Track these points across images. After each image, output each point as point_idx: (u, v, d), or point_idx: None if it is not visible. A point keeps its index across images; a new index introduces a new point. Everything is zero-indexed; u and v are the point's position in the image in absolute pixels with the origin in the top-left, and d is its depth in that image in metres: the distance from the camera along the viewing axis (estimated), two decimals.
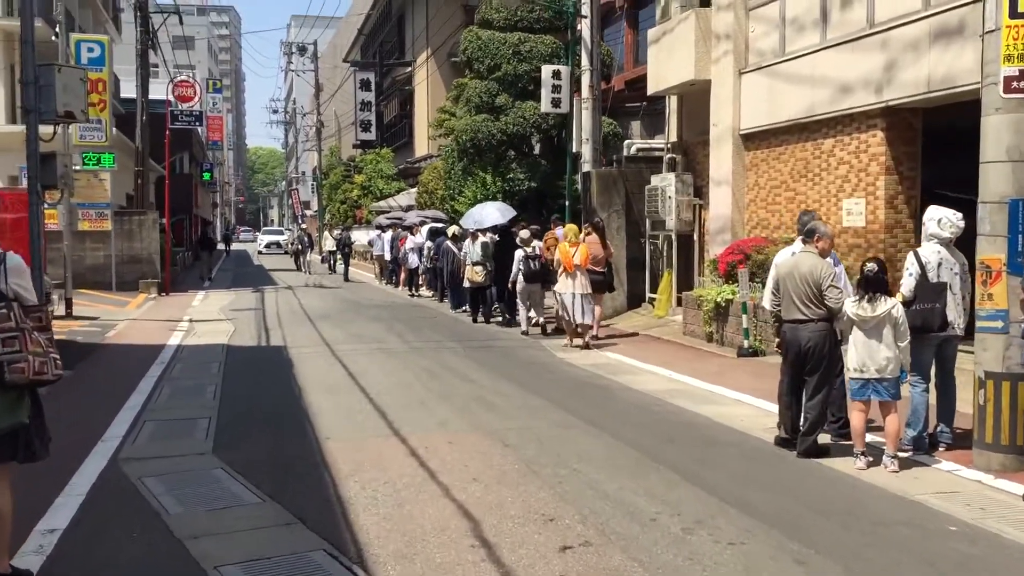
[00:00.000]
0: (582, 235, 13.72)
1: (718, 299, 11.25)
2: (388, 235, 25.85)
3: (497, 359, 11.05)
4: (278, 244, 48.88)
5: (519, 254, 13.59)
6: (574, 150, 16.66)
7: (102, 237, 21.32)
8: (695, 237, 14.06)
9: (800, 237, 6.73)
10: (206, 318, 16.43)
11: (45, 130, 10.86)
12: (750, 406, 8.05)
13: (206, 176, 48.29)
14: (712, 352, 11.21)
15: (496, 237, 15.82)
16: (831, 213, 10.65)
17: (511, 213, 16.14)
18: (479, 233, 15.72)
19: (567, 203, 15.94)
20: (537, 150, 22.64)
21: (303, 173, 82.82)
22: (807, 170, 11.32)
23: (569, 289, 12.30)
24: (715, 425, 7.33)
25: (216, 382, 9.50)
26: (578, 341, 11.97)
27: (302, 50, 53.31)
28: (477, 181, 21.46)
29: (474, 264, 15.87)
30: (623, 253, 14.80)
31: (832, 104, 10.58)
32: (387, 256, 24.43)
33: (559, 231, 14.95)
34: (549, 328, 13.59)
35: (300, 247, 30.20)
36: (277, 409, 8.11)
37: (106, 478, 5.90)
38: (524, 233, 14.23)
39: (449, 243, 17.95)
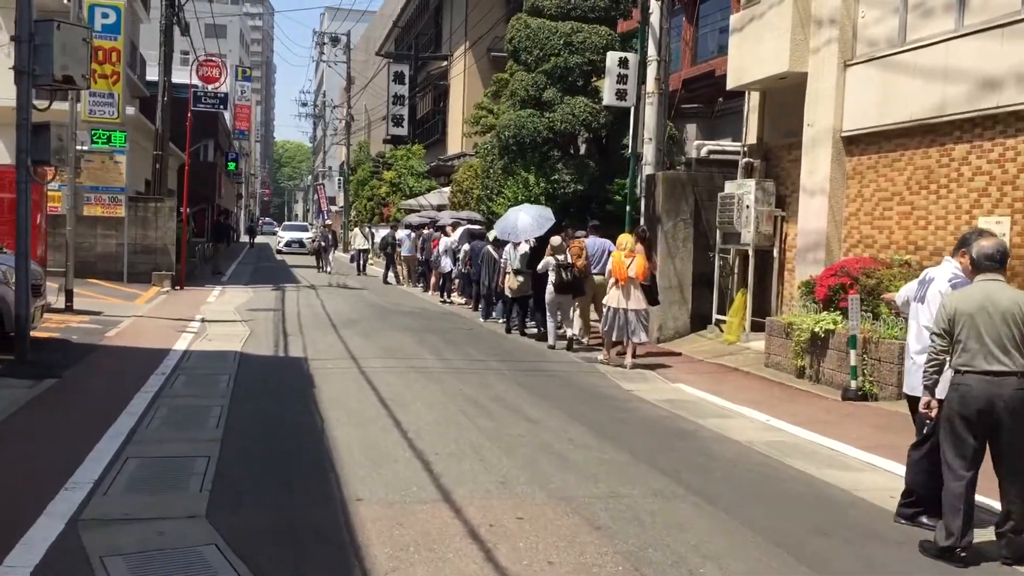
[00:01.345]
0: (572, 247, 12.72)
1: (815, 328, 9.55)
2: (410, 235, 24.35)
3: (553, 388, 9.40)
4: (300, 243, 41.34)
5: (549, 262, 12.47)
6: (633, 150, 14.98)
7: (115, 224, 19.87)
8: (775, 253, 12.36)
9: (954, 257, 5.13)
10: (220, 318, 14.89)
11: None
12: (888, 472, 6.35)
13: (231, 166, 47.11)
14: (808, 391, 9.50)
15: (533, 243, 14.31)
16: (959, 233, 8.91)
17: (548, 222, 14.32)
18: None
19: (627, 208, 14.22)
20: (583, 150, 21.00)
21: (330, 168, 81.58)
22: (929, 180, 9.61)
23: (621, 304, 10.96)
24: (859, 503, 5.63)
25: (222, 403, 7.90)
26: (626, 360, 10.64)
27: (335, 40, 51.97)
28: (518, 181, 19.81)
29: (515, 272, 14.39)
30: (689, 267, 13.11)
31: (970, 103, 8.87)
32: (420, 257, 22.86)
33: (590, 240, 13.28)
34: (583, 342, 12.77)
35: (323, 244, 28.28)
36: (294, 447, 6.50)
37: (56, 555, 4.29)
38: (555, 240, 12.93)
39: (490, 248, 16.34)
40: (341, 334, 13.32)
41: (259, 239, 57.63)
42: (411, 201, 32.89)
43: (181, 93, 30.37)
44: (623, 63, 12.85)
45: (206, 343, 11.90)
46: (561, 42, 19.26)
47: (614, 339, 11.16)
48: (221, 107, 20.74)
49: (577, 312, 13.66)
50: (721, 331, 12.78)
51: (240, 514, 4.94)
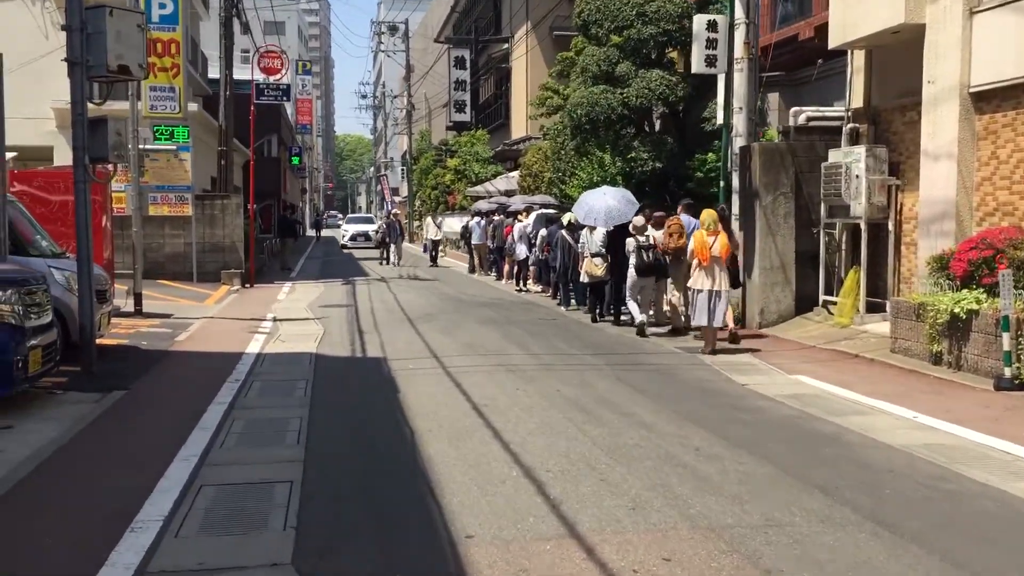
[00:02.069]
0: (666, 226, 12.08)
1: (955, 309, 8.43)
2: (480, 222, 23.56)
3: (659, 385, 8.48)
4: (367, 236, 37.82)
5: (630, 243, 11.93)
6: (726, 120, 13.89)
7: (182, 223, 19.49)
8: (890, 227, 11.20)
9: None
10: (292, 316, 14.31)
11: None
12: None
13: (295, 160, 46.99)
14: (951, 381, 8.39)
15: (610, 226, 13.44)
16: None
17: (634, 206, 13.42)
18: None
19: (721, 184, 13.10)
20: (656, 126, 19.91)
21: (391, 159, 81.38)
22: None
23: (706, 285, 10.26)
24: None
25: (301, 415, 7.17)
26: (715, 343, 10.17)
27: (392, 29, 51.36)
28: (593, 161, 18.87)
29: (592, 256, 13.54)
30: (791, 245, 12.01)
31: None
32: (491, 245, 22.07)
33: (685, 217, 12.43)
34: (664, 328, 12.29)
35: (390, 236, 27.08)
36: (384, 468, 5.72)
37: None
38: (638, 220, 12.28)
39: (564, 232, 15.46)
40: (419, 329, 12.59)
41: (325, 232, 57.65)
42: (477, 187, 32.14)
43: (243, 89, 30.13)
44: (712, 26, 11.79)
45: (279, 345, 11.27)
46: (634, 13, 18.18)
47: (706, 325, 10.43)
48: (284, 98, 20.22)
49: (672, 291, 12.76)
50: (830, 314, 11.69)
51: (330, 561, 4.16)
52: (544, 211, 19.28)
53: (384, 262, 27.22)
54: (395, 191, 75.50)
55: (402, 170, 62.97)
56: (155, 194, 18.86)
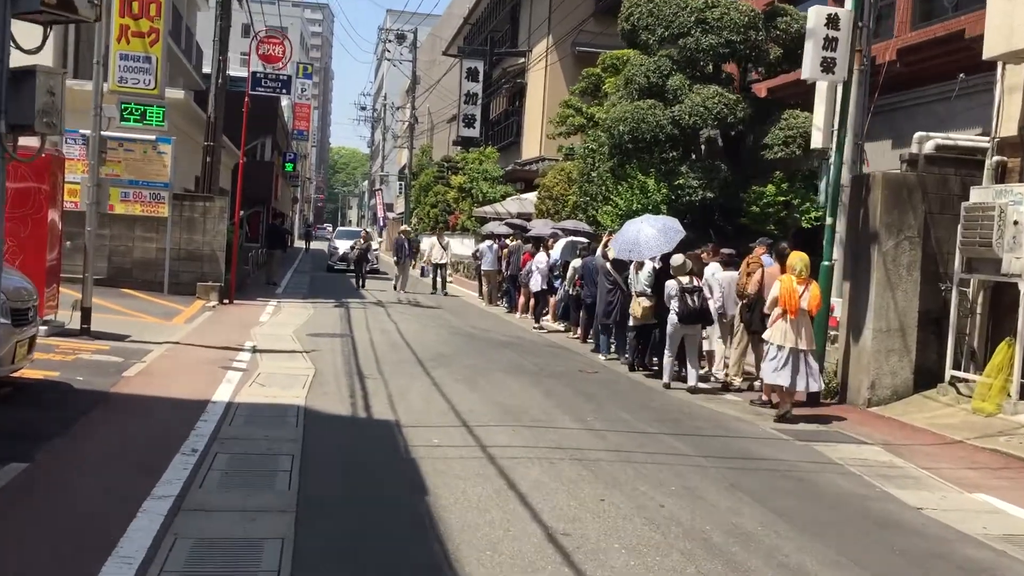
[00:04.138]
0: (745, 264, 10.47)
1: None
2: (492, 246, 20.97)
3: (797, 501, 5.93)
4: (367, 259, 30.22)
5: (671, 286, 10.29)
6: (814, 145, 11.49)
7: (156, 225, 16.88)
8: None
9: None
10: (275, 347, 11.72)
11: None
12: None
13: (288, 167, 44.45)
14: None
15: (658, 263, 11.14)
16: None
17: (677, 235, 11.23)
18: None
19: (826, 220, 10.55)
20: (702, 151, 17.49)
21: (387, 174, 78.86)
22: None
23: (789, 342, 8.62)
24: None
25: (283, 533, 4.61)
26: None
27: (400, 38, 49.04)
28: (634, 186, 16.37)
29: (638, 295, 11.21)
30: (913, 304, 9.52)
31: None
32: (505, 272, 19.52)
33: (766, 259, 10.16)
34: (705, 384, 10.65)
35: (399, 256, 23.04)
36: None
37: None
38: (676, 259, 10.53)
39: (609, 265, 12.98)
40: (434, 377, 10.02)
41: (315, 244, 55.06)
42: (486, 208, 29.65)
43: (238, 87, 27.63)
44: (832, 22, 9.37)
45: (258, 390, 8.68)
46: (692, 19, 15.80)
47: (787, 386, 8.68)
48: (283, 91, 17.74)
49: (737, 345, 10.83)
50: (960, 393, 9.21)
51: None
52: (574, 239, 16.77)
53: (361, 286, 22.92)
54: (389, 207, 72.95)
55: (399, 185, 60.47)
56: (127, 189, 16.29)
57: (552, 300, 17.84)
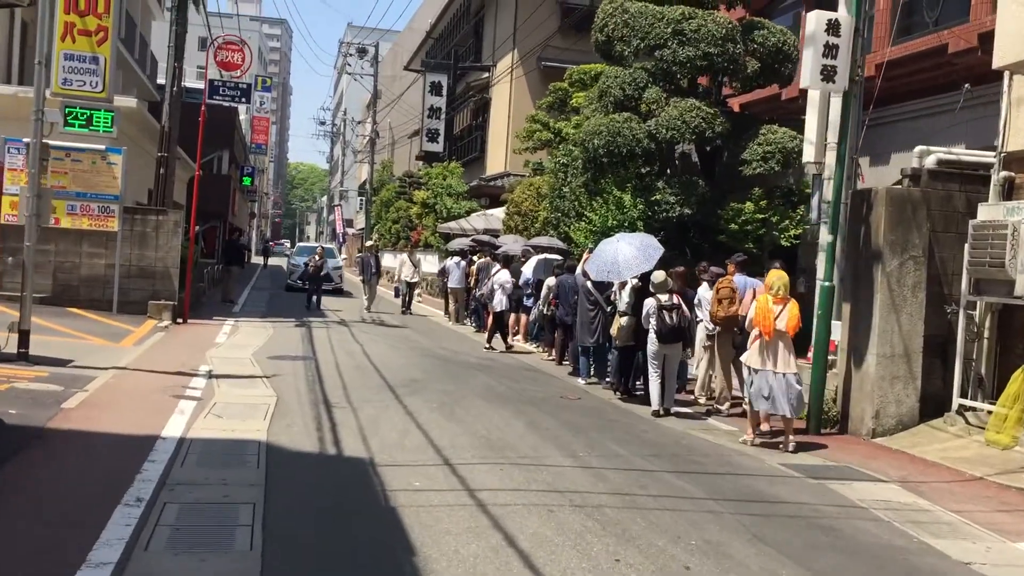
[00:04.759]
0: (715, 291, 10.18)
1: None
2: (459, 263, 20.20)
3: (834, 559, 5.28)
4: (327, 276, 25.01)
5: (650, 304, 9.92)
6: (805, 159, 10.98)
7: (104, 240, 15.89)
8: None
9: None
10: (233, 371, 10.87)
11: None
12: None
13: (246, 181, 43.35)
14: None
15: (637, 281, 10.62)
16: None
17: (656, 252, 10.75)
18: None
19: (829, 239, 9.98)
20: (677, 166, 16.97)
21: (347, 189, 77.70)
22: None
23: (768, 365, 8.28)
24: None
25: None
26: (789, 442, 7.60)
27: (362, 52, 48.20)
28: (609, 202, 15.78)
29: (620, 315, 10.67)
30: (918, 328, 8.96)
31: None
32: (476, 292, 18.77)
33: (740, 278, 10.20)
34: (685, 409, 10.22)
35: (364, 273, 21.78)
36: None
37: None
38: (658, 275, 10.12)
39: (590, 285, 12.33)
40: (406, 405, 9.26)
41: (272, 260, 53.83)
42: (451, 224, 28.89)
43: (194, 98, 26.64)
44: (833, 28, 8.82)
45: (213, 422, 7.86)
46: (669, 30, 15.29)
47: (765, 411, 8.40)
48: (243, 100, 16.81)
49: (718, 369, 10.59)
50: (968, 423, 8.67)
51: None
52: (548, 256, 16.10)
53: (317, 306, 21.17)
54: (349, 222, 71.80)
55: (359, 201, 59.46)
56: (74, 202, 15.30)
57: (524, 320, 17.19)
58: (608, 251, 11.02)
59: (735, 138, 15.62)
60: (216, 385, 9.80)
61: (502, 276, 16.30)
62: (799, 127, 15.37)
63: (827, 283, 9.12)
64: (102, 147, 15.25)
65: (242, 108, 44.50)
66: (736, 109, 17.18)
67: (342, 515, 5.46)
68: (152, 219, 16.55)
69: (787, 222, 15.01)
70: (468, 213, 30.45)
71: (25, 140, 12.79)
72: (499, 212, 27.07)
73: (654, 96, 15.54)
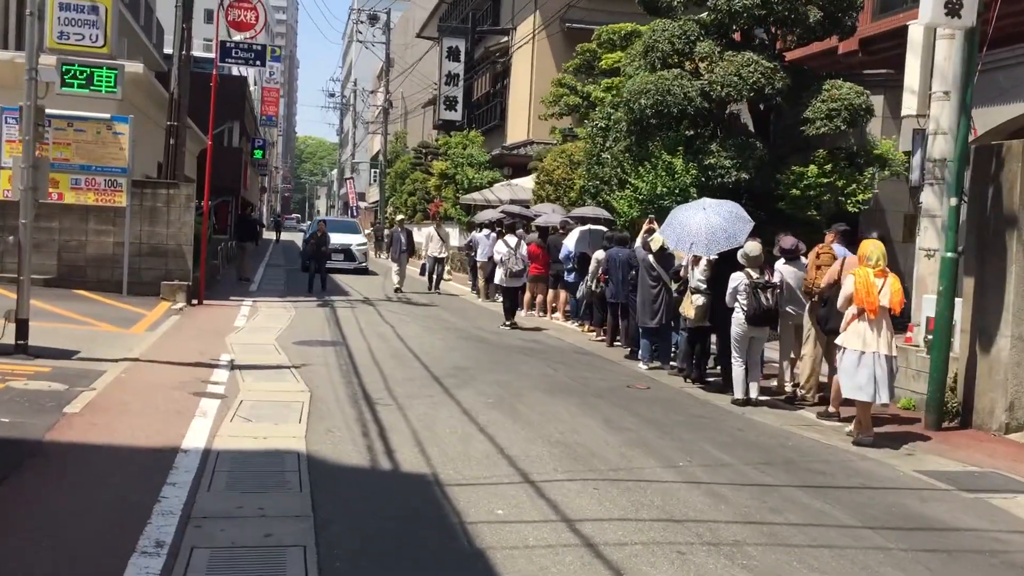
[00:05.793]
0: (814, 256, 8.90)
1: None
2: (489, 235, 18.87)
3: None
4: (348, 254, 24.67)
5: (739, 280, 8.72)
6: (906, 111, 9.65)
7: (112, 217, 14.71)
8: None
9: None
10: (258, 361, 9.70)
11: None
12: None
13: (257, 154, 42.11)
14: None
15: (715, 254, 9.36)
16: None
17: (747, 224, 9.51)
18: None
19: (955, 201, 8.63)
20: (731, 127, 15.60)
21: (358, 162, 76.28)
22: None
23: (870, 346, 7.15)
24: None
25: None
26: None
27: (373, 19, 46.64)
28: (659, 167, 14.46)
29: (692, 292, 9.54)
30: None
31: None
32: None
33: (839, 248, 8.85)
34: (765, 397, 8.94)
35: (394, 250, 20.50)
36: None
37: None
38: (753, 247, 8.89)
39: (652, 259, 11.07)
40: (459, 400, 8.06)
41: (285, 235, 52.78)
42: (474, 195, 27.59)
43: (204, 68, 25.30)
44: None
45: (241, 426, 6.68)
46: None
47: (863, 397, 7.21)
48: (258, 62, 15.52)
49: (809, 353, 9.10)
50: None
51: None
52: (592, 227, 14.83)
53: (322, 288, 18.80)
54: (361, 196, 70.48)
55: (372, 173, 58.10)
56: (78, 176, 14.09)
57: (563, 296, 15.99)
58: (692, 221, 9.55)
59: (794, 96, 14.27)
60: (240, 378, 8.63)
61: (500, 248, 15.49)
62: (858, 83, 14.07)
63: (949, 254, 7.84)
64: (107, 116, 14.01)
65: (250, 79, 43.10)
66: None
67: (419, 566, 4.25)
68: (163, 193, 15.32)
69: (854, 186, 13.71)
70: (491, 183, 29.13)
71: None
72: (525, 182, 25.76)
73: (707, 50, 14.18)
